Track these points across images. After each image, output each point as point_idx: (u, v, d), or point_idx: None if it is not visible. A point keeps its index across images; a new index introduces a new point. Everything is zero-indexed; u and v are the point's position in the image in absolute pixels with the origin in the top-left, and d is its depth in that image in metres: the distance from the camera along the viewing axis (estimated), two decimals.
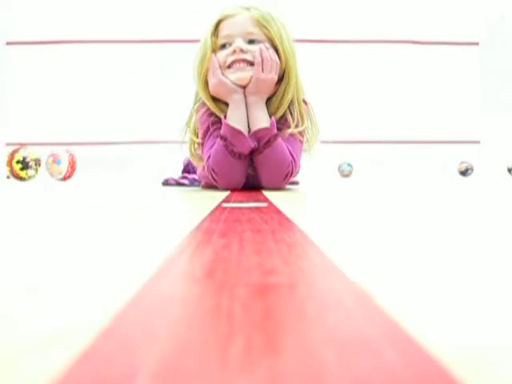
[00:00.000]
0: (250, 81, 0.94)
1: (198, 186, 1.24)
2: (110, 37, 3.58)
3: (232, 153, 0.92)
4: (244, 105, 0.95)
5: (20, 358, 0.11)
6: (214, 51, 0.97)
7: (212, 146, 0.95)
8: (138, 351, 0.10)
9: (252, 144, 0.92)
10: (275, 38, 0.96)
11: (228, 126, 0.92)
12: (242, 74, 0.94)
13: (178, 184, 1.33)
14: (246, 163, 0.95)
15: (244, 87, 0.95)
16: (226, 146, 0.92)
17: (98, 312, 0.14)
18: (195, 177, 1.31)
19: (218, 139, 0.93)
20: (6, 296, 0.16)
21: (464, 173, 2.53)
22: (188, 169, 1.38)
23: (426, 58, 3.52)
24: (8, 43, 3.58)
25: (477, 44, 3.47)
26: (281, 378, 0.09)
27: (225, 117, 0.95)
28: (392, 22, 3.52)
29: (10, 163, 1.63)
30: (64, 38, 3.58)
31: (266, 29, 0.95)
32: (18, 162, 1.63)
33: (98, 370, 0.09)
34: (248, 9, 0.97)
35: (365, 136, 3.61)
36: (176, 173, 1.45)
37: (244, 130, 0.93)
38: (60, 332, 0.12)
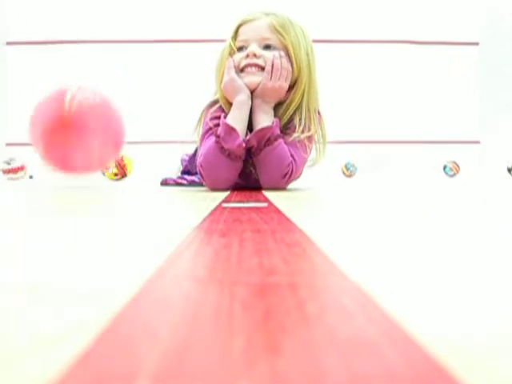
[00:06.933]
0: (258, 86, 0.96)
1: (196, 186, 1.24)
2: (109, 37, 3.58)
3: (222, 150, 0.93)
4: (247, 108, 0.96)
5: (20, 357, 0.11)
6: (231, 53, 1.00)
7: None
8: (138, 351, 0.10)
9: (244, 144, 0.93)
10: (289, 46, 0.97)
11: (224, 123, 0.93)
12: (251, 78, 0.96)
13: (177, 184, 1.33)
14: (236, 165, 0.96)
15: (252, 91, 0.97)
16: (217, 143, 0.93)
17: (98, 312, 0.14)
18: (194, 178, 1.30)
19: (213, 137, 0.95)
20: (6, 296, 0.16)
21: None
22: (187, 169, 1.38)
23: (425, 57, 3.52)
24: (8, 43, 3.58)
25: (477, 44, 3.47)
26: (281, 377, 0.09)
27: (225, 117, 0.96)
28: (391, 22, 3.52)
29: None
30: (64, 38, 3.58)
31: (282, 36, 0.97)
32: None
33: (98, 370, 0.09)
34: (268, 14, 0.98)
35: (364, 136, 3.61)
36: (175, 173, 1.45)
37: (241, 130, 0.94)
38: (60, 332, 0.12)
